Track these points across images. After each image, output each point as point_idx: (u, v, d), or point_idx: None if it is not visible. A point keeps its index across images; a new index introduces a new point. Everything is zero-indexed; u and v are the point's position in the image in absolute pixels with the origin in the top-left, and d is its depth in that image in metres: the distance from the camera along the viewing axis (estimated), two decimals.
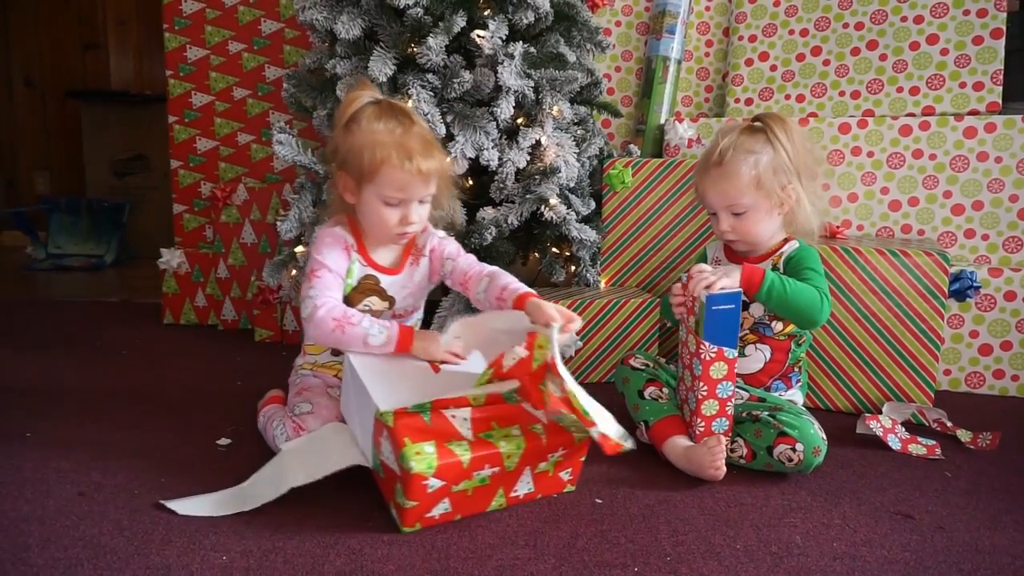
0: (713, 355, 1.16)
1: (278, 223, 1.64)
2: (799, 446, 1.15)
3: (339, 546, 0.96)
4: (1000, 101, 1.80)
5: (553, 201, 1.62)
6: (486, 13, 1.60)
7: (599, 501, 1.11)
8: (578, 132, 1.77)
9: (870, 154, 1.80)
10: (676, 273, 1.78)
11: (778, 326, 1.30)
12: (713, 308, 1.15)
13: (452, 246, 1.30)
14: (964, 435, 1.36)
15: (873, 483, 1.19)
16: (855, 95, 1.91)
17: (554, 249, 1.79)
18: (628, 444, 1.01)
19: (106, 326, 2.16)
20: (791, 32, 2.01)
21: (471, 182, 1.70)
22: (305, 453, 1.12)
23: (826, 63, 1.96)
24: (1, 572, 0.90)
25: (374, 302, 1.27)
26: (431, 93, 1.57)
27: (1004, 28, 1.80)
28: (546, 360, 1.03)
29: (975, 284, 1.63)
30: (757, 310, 1.31)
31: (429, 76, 1.58)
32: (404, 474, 0.96)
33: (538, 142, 1.63)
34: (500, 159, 1.60)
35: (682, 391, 1.28)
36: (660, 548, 0.98)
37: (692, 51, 2.16)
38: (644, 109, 2.09)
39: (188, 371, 1.73)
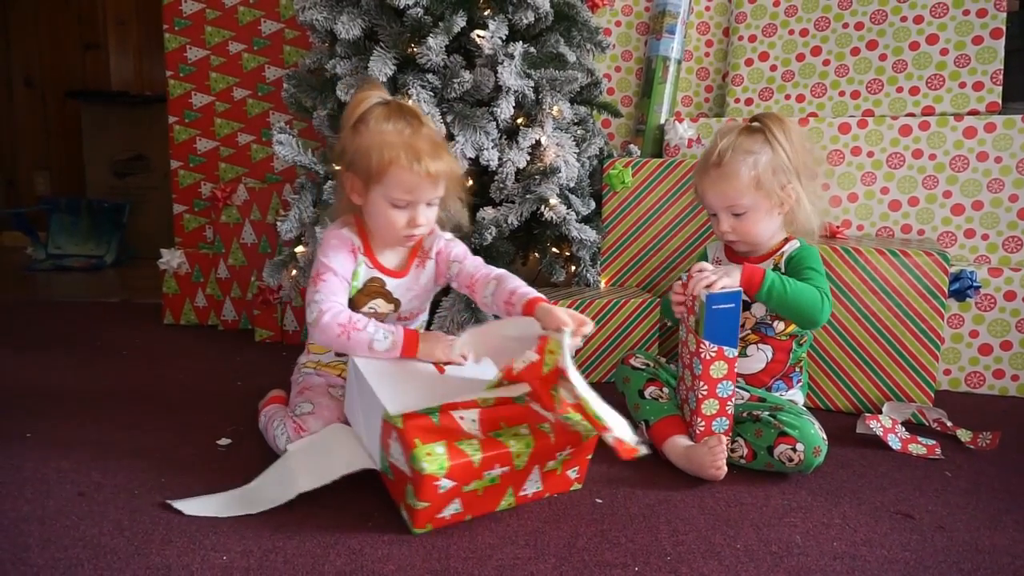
0: (713, 354, 1.16)
1: (278, 223, 1.64)
2: (799, 446, 1.16)
3: (339, 546, 0.96)
4: (1000, 101, 1.80)
5: (553, 201, 1.62)
6: (486, 13, 1.60)
7: (599, 501, 1.11)
8: (578, 132, 1.77)
9: (870, 154, 1.80)
10: (676, 273, 1.78)
11: (780, 326, 1.30)
12: (713, 307, 1.15)
13: (459, 248, 1.29)
14: (964, 435, 1.36)
15: (873, 483, 1.19)
16: (855, 95, 1.91)
17: (554, 249, 1.79)
18: (643, 449, 1.01)
19: (106, 326, 2.16)
20: (791, 32, 2.01)
21: (471, 182, 1.70)
22: (312, 456, 1.12)
23: (826, 63, 1.96)
24: (1, 572, 0.90)
25: (379, 304, 1.27)
26: (431, 93, 1.58)
27: (1004, 28, 1.80)
28: (557, 365, 1.02)
29: (975, 284, 1.63)
30: (759, 310, 1.31)
31: (429, 76, 1.58)
32: (415, 475, 0.95)
33: (538, 142, 1.63)
34: (500, 159, 1.60)
35: (682, 391, 1.28)
36: (660, 548, 0.98)
37: (692, 51, 2.16)
38: (644, 109, 2.09)
39: (188, 371, 1.73)
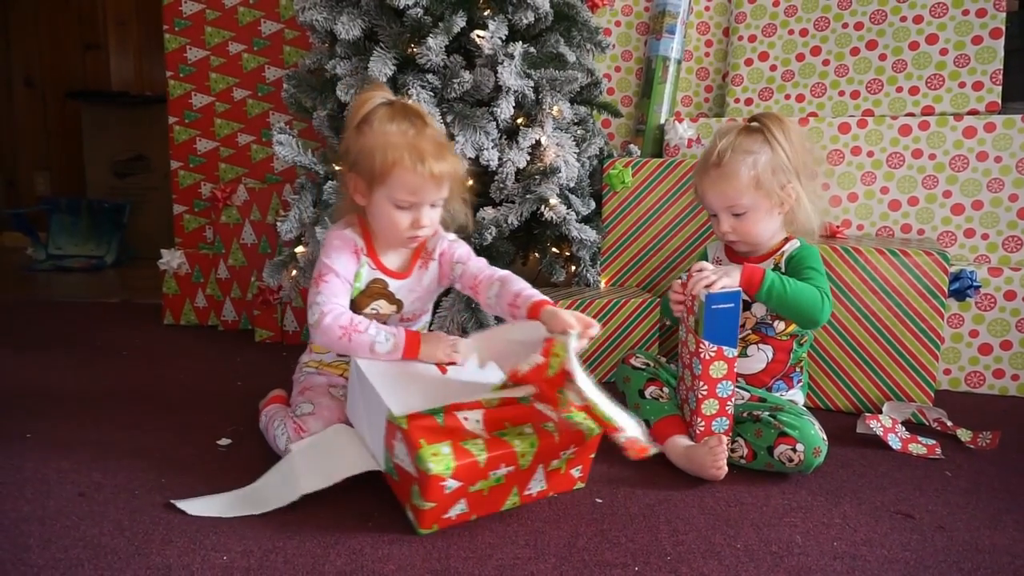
0: (713, 354, 1.16)
1: (278, 224, 1.64)
2: (800, 446, 1.16)
3: (339, 546, 0.97)
4: (999, 101, 1.80)
5: (553, 201, 1.62)
6: (486, 13, 1.60)
7: (599, 501, 1.11)
8: (578, 132, 1.77)
9: (870, 154, 1.80)
10: (676, 273, 1.78)
11: (780, 326, 1.30)
12: (713, 307, 1.15)
13: (462, 249, 1.28)
14: (964, 434, 1.36)
15: (873, 482, 1.19)
16: (855, 95, 1.91)
17: (554, 249, 1.79)
18: (654, 448, 1.01)
19: (106, 327, 2.16)
20: (791, 32, 2.01)
21: (471, 182, 1.70)
22: (315, 457, 1.12)
23: (826, 63, 1.96)
24: (2, 572, 0.90)
25: (382, 305, 1.26)
26: (431, 93, 1.58)
27: (1003, 28, 1.81)
28: (563, 367, 1.01)
29: (975, 283, 1.63)
30: (759, 310, 1.31)
31: (429, 76, 1.58)
32: (421, 476, 0.95)
33: (538, 142, 1.63)
34: (500, 159, 1.60)
35: (682, 390, 1.28)
36: (660, 547, 0.98)
37: (692, 51, 2.16)
38: (644, 109, 2.09)
39: (188, 371, 1.73)
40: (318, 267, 1.21)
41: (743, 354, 1.31)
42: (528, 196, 1.62)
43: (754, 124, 1.31)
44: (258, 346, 1.98)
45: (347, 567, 0.92)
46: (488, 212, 1.63)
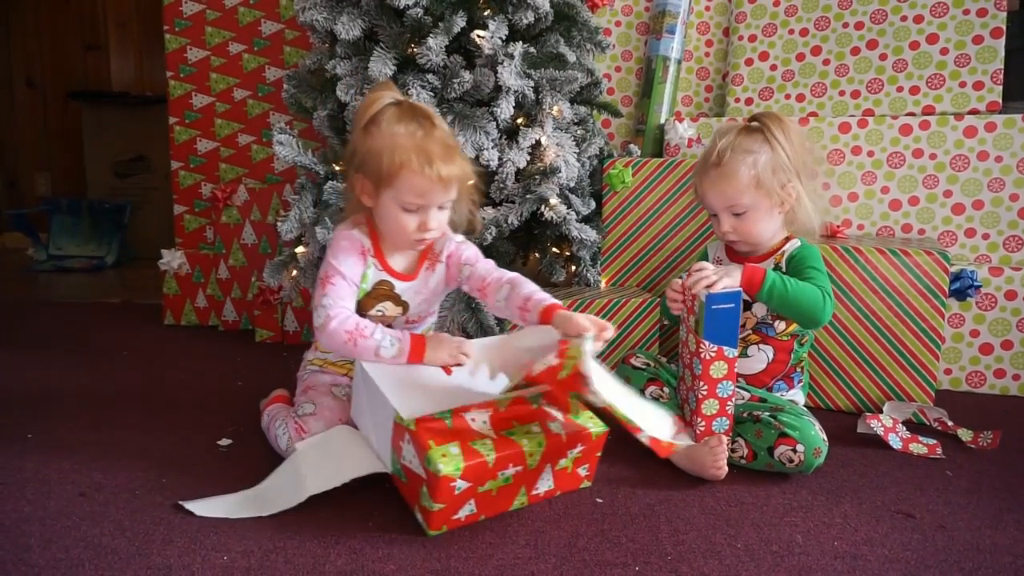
0: (713, 354, 1.16)
1: (278, 224, 1.64)
2: (800, 447, 1.15)
3: (340, 546, 0.97)
4: (1000, 100, 1.79)
5: (553, 201, 1.62)
6: (486, 13, 1.60)
7: (600, 500, 1.11)
8: (578, 132, 1.77)
9: (870, 153, 1.80)
10: (676, 273, 1.78)
11: (781, 326, 1.30)
12: (713, 307, 1.15)
13: (470, 251, 1.26)
14: (965, 434, 1.36)
15: (874, 482, 1.19)
16: (855, 95, 1.91)
17: (554, 249, 1.79)
18: (681, 441, 0.99)
19: (107, 327, 2.16)
20: (791, 32, 2.01)
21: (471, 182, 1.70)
22: (321, 458, 1.12)
23: (826, 63, 1.96)
24: (3, 572, 0.90)
25: (388, 307, 1.25)
26: (431, 93, 1.58)
27: (1004, 27, 1.80)
28: (576, 370, 0.99)
29: (975, 283, 1.63)
30: (760, 310, 1.31)
31: (429, 76, 1.58)
32: (431, 477, 0.95)
33: (538, 142, 1.63)
34: (500, 159, 1.60)
35: (683, 390, 1.28)
36: (661, 547, 0.98)
37: (692, 51, 2.16)
38: (644, 109, 2.09)
39: (189, 372, 1.73)
40: (324, 268, 1.20)
41: (744, 354, 1.31)
42: (528, 196, 1.62)
43: (754, 124, 1.31)
44: (259, 346, 1.98)
45: (347, 567, 0.92)
46: (488, 212, 1.63)
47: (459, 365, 1.15)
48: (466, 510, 1.00)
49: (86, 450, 1.26)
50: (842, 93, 1.93)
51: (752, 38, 2.04)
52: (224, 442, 1.30)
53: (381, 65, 1.53)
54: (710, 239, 1.63)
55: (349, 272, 1.18)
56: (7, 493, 1.10)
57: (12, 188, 3.88)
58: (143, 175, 3.48)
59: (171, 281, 2.17)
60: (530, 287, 1.16)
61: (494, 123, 1.59)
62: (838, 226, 1.74)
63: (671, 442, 0.98)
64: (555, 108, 1.64)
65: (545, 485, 1.06)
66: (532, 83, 1.62)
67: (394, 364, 1.14)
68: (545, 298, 1.12)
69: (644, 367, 1.36)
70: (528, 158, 1.63)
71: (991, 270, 1.65)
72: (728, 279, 1.19)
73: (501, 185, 1.63)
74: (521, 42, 1.61)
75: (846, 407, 1.54)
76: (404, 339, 1.14)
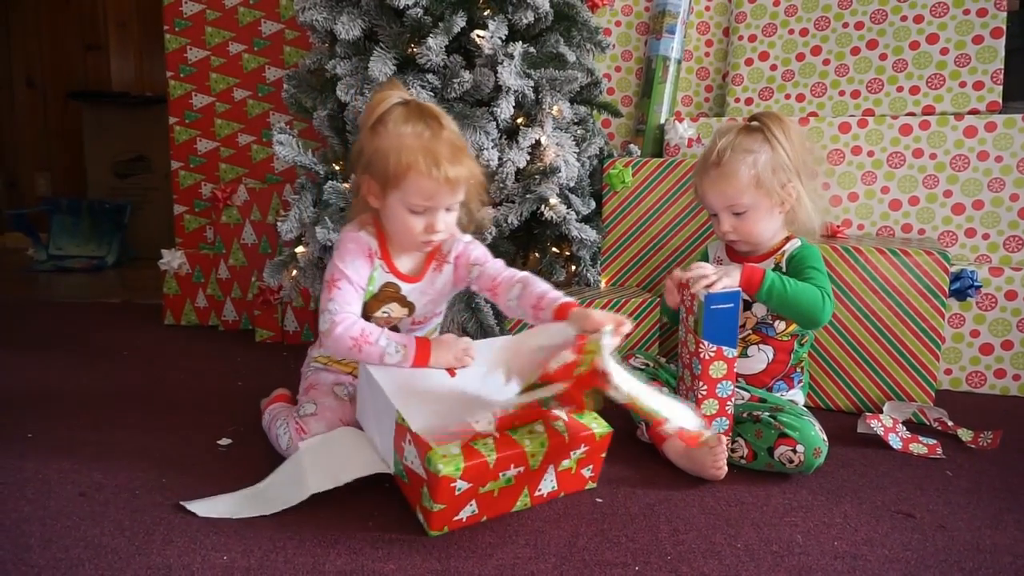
0: (712, 354, 1.16)
1: (278, 224, 1.64)
2: (800, 448, 1.15)
3: (340, 545, 0.97)
4: (1000, 100, 1.79)
5: (553, 201, 1.62)
6: (486, 13, 1.60)
7: (599, 501, 1.11)
8: (578, 132, 1.77)
9: (870, 153, 1.80)
10: None
11: (781, 326, 1.30)
12: (712, 307, 1.15)
13: (479, 251, 1.24)
14: (965, 434, 1.36)
15: (874, 482, 1.19)
16: (855, 94, 1.91)
17: (554, 249, 1.79)
18: (709, 432, 0.98)
19: (107, 327, 2.16)
20: (791, 32, 2.01)
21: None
22: (324, 457, 1.11)
23: (826, 63, 1.96)
24: (3, 572, 0.90)
25: (393, 308, 1.24)
26: (431, 93, 1.58)
27: (1004, 27, 1.80)
28: (594, 366, 0.97)
29: (976, 283, 1.63)
30: (760, 310, 1.31)
31: (429, 76, 1.58)
32: (431, 477, 0.95)
33: (538, 142, 1.63)
34: (500, 159, 1.60)
35: (682, 391, 1.28)
36: (661, 547, 0.98)
37: (692, 51, 2.16)
38: (644, 109, 2.09)
39: (189, 372, 1.73)
40: (330, 270, 1.18)
41: (744, 354, 1.31)
42: (528, 196, 1.62)
43: (754, 123, 1.31)
44: (259, 346, 1.98)
45: (347, 566, 0.92)
46: (488, 212, 1.63)
47: (464, 367, 1.15)
48: (467, 511, 1.00)
49: (86, 450, 1.26)
50: (842, 93, 1.93)
51: (752, 38, 2.04)
52: (224, 442, 1.30)
53: (381, 65, 1.53)
54: (710, 239, 1.63)
55: (355, 275, 1.17)
56: (7, 493, 1.10)
57: (12, 188, 3.88)
58: (143, 175, 3.48)
59: (171, 281, 2.17)
60: (543, 285, 1.15)
61: (494, 123, 1.59)
62: (838, 226, 1.74)
63: (699, 431, 0.97)
64: (555, 108, 1.64)
65: (548, 486, 1.06)
66: (532, 83, 1.62)
67: (399, 368, 1.14)
68: (559, 296, 1.11)
69: (643, 367, 1.35)
70: (528, 158, 1.63)
71: (991, 270, 1.65)
72: (727, 279, 1.19)
73: (501, 185, 1.63)
74: (521, 42, 1.61)
75: (846, 407, 1.54)
76: (409, 344, 1.14)
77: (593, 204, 1.75)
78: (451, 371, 1.15)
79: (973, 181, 1.73)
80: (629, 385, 0.96)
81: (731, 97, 2.04)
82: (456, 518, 0.99)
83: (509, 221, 1.62)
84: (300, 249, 1.69)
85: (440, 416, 1.02)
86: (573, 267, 1.80)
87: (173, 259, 2.15)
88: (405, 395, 1.06)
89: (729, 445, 1.20)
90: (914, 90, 1.86)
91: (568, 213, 1.64)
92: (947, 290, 1.47)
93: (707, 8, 2.15)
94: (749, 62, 2.03)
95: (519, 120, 1.66)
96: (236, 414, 1.42)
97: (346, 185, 1.59)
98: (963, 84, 1.82)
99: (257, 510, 1.04)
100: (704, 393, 1.18)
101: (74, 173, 3.75)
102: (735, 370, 1.19)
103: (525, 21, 1.60)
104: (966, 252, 1.75)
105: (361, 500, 1.08)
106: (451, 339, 1.18)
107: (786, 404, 1.28)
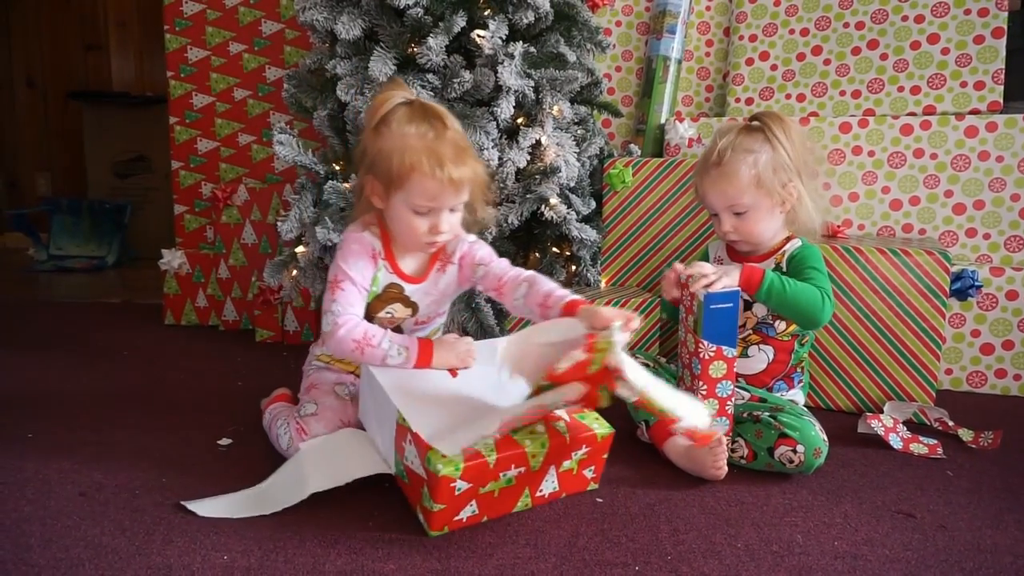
0: (712, 354, 1.16)
1: (279, 223, 1.64)
2: (800, 448, 1.15)
3: (340, 545, 0.96)
4: (1001, 100, 1.79)
5: (553, 201, 1.62)
6: (486, 13, 1.60)
7: (599, 500, 1.11)
8: (578, 132, 1.77)
9: (871, 153, 1.80)
10: None
11: (781, 326, 1.30)
12: (711, 307, 1.15)
13: (484, 251, 1.24)
14: (966, 434, 1.36)
15: (874, 482, 1.19)
16: (856, 94, 1.91)
17: (554, 249, 1.79)
18: (721, 429, 0.97)
19: (107, 327, 2.16)
20: (791, 32, 2.01)
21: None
22: (325, 457, 1.11)
23: (827, 62, 1.96)
24: (3, 572, 0.90)
25: (397, 309, 1.24)
26: (431, 93, 1.58)
27: (1005, 27, 1.80)
28: (606, 363, 0.95)
29: (976, 283, 1.62)
30: (760, 310, 1.30)
31: (429, 76, 1.58)
32: (431, 477, 0.95)
33: (538, 142, 1.63)
34: (500, 159, 1.60)
35: (682, 391, 1.27)
36: (661, 547, 0.98)
37: (692, 51, 2.16)
38: (644, 109, 2.09)
39: (189, 371, 1.73)
40: (334, 271, 1.18)
41: (744, 354, 1.31)
42: (528, 196, 1.62)
43: (755, 123, 1.31)
44: (259, 346, 1.98)
45: (347, 566, 0.92)
46: (488, 212, 1.63)
47: (467, 368, 1.15)
48: (468, 511, 0.99)
49: (86, 450, 1.26)
50: (843, 93, 1.93)
51: (753, 38, 2.04)
52: (224, 442, 1.30)
53: (381, 65, 1.53)
54: (710, 239, 1.63)
55: (359, 276, 1.17)
56: (7, 493, 1.10)
57: (12, 188, 3.88)
58: (143, 175, 3.48)
59: (171, 281, 2.17)
60: (549, 284, 1.15)
61: (494, 123, 1.59)
62: (839, 226, 1.74)
63: (711, 431, 0.97)
64: (555, 108, 1.64)
65: (550, 487, 1.06)
66: (532, 83, 1.62)
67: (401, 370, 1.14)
68: (566, 294, 1.11)
69: (643, 367, 1.35)
70: (528, 158, 1.63)
71: (992, 270, 1.65)
72: (727, 279, 1.19)
73: (501, 185, 1.63)
74: (521, 42, 1.61)
75: (846, 407, 1.54)
76: (411, 346, 1.14)
77: (593, 204, 1.75)
78: (453, 372, 1.15)
79: (974, 181, 1.73)
80: (643, 381, 0.95)
81: (731, 97, 2.04)
82: (456, 518, 0.99)
83: (509, 221, 1.62)
84: (300, 249, 1.69)
85: (444, 422, 1.01)
86: (573, 267, 1.80)
87: (173, 259, 2.15)
88: (406, 395, 1.06)
89: (729, 445, 1.20)
90: (915, 90, 1.86)
91: (568, 213, 1.64)
92: (948, 290, 1.47)
93: (708, 8, 2.15)
94: (750, 62, 2.03)
95: (519, 120, 1.66)
96: (236, 414, 1.42)
97: (346, 185, 1.59)
98: (964, 84, 1.82)
99: (257, 510, 1.04)
100: (704, 393, 1.18)
101: (74, 173, 3.75)
102: (735, 370, 1.19)
103: (525, 21, 1.60)
104: (967, 252, 1.75)
105: (361, 500, 1.08)
106: (453, 339, 1.18)
107: (786, 404, 1.28)
